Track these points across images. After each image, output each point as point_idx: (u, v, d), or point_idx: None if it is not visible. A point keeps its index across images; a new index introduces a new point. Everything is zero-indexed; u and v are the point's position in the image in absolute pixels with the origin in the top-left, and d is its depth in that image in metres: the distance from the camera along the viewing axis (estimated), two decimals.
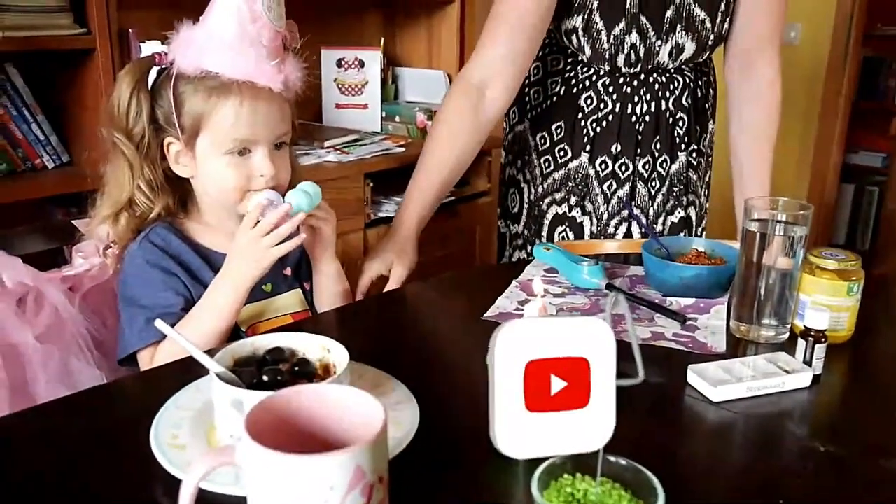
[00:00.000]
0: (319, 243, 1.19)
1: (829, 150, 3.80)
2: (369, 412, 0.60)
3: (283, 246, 1.09)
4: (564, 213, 1.54)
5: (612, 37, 1.39)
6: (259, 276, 1.09)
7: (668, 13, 1.40)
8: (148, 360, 1.10)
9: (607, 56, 1.42)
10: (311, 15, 2.66)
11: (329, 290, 1.22)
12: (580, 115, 1.49)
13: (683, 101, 1.51)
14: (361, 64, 2.70)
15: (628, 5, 1.38)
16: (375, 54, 2.71)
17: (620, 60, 1.42)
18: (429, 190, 1.39)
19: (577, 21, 1.40)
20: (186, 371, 0.88)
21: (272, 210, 1.09)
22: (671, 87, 1.49)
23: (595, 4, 1.38)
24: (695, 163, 1.56)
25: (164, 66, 1.12)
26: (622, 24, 1.39)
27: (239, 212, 1.13)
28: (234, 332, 1.12)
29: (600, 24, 1.39)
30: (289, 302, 1.21)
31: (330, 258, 1.20)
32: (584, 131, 1.50)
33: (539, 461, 0.61)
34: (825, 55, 3.66)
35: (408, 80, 2.88)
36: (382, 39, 2.82)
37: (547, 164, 1.54)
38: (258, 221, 1.09)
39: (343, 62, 2.70)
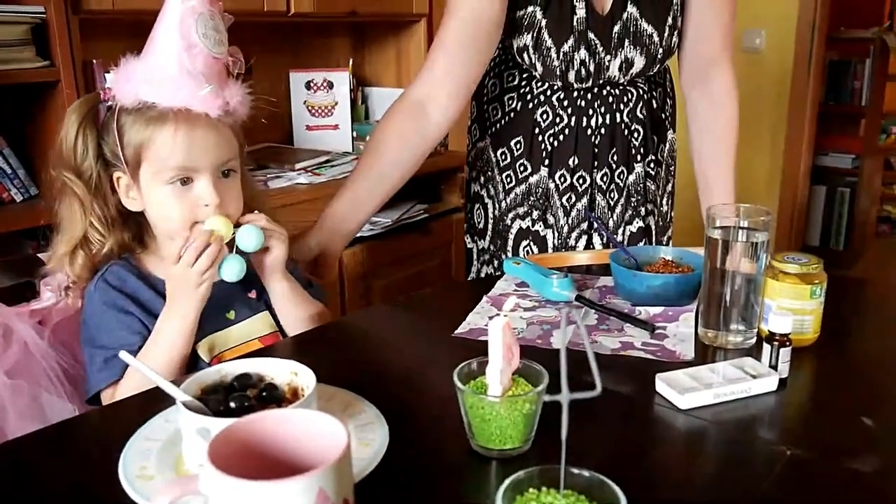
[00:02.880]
0: (267, 264, 1.17)
1: (798, 153, 3.85)
2: (332, 434, 0.60)
3: (212, 270, 1.08)
4: (528, 227, 1.55)
5: (561, 54, 1.41)
6: (201, 302, 1.09)
7: (616, 29, 1.41)
8: (109, 399, 1.10)
9: (558, 73, 1.43)
10: (278, 38, 2.67)
11: (288, 312, 1.20)
12: (537, 130, 1.50)
13: (638, 113, 1.53)
14: (330, 85, 2.71)
15: (575, 23, 1.39)
16: (344, 75, 2.71)
17: (571, 76, 1.44)
18: (367, 202, 1.43)
19: (528, 39, 1.41)
20: (154, 402, 0.88)
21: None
22: (625, 99, 1.51)
23: (543, 23, 1.39)
24: (652, 173, 1.58)
25: (109, 103, 1.13)
26: (570, 42, 1.40)
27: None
28: (196, 363, 1.12)
29: (549, 42, 1.40)
30: (255, 326, 1.20)
31: (279, 278, 1.18)
32: (542, 146, 1.51)
33: (508, 475, 0.61)
34: (790, 60, 3.70)
35: (377, 99, 2.89)
36: (351, 60, 2.84)
37: (509, 179, 1.55)
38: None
39: (312, 84, 2.71)
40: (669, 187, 1.66)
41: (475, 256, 1.67)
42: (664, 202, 1.65)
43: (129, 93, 1.08)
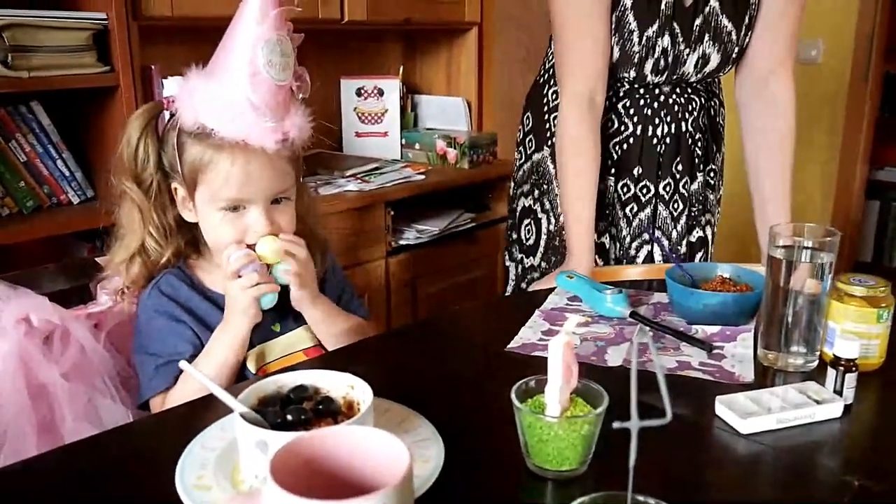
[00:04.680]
0: (293, 297, 1.16)
1: (853, 166, 3.76)
2: (394, 454, 0.59)
3: (257, 290, 1.09)
4: (593, 239, 1.52)
5: (644, 38, 1.39)
6: (252, 321, 1.11)
7: (698, 21, 1.40)
8: (159, 406, 1.12)
9: (636, 59, 1.41)
10: (330, 45, 2.69)
11: (322, 331, 1.20)
12: (602, 137, 1.48)
13: (701, 122, 1.51)
14: (381, 92, 2.72)
15: (663, 6, 1.37)
16: (394, 82, 2.72)
17: (648, 66, 1.42)
18: (591, 216, 1.43)
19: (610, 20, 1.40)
20: (209, 410, 0.88)
21: (251, 263, 1.10)
22: (689, 107, 1.49)
23: (629, 3, 1.37)
24: (712, 182, 1.56)
25: (172, 112, 1.13)
26: (655, 26, 1.38)
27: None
28: (242, 376, 1.13)
29: (633, 24, 1.39)
30: (299, 338, 1.20)
31: (308, 307, 1.18)
32: (607, 154, 1.49)
33: (564, 497, 0.60)
34: (847, 71, 3.62)
35: (427, 107, 2.89)
36: (401, 67, 2.84)
37: None
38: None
39: (362, 91, 2.72)
40: (719, 197, 1.64)
41: (515, 274, 1.65)
42: (717, 211, 1.63)
43: (189, 112, 1.08)
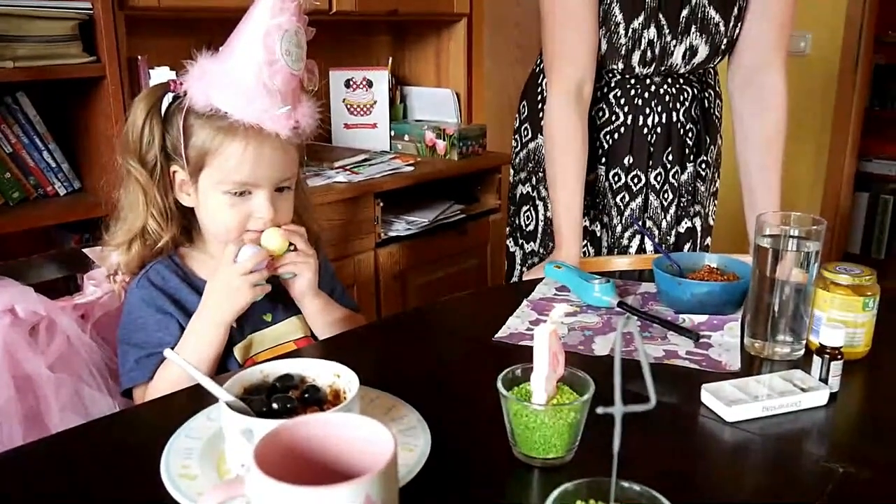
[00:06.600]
0: (297, 287, 1.16)
1: (842, 158, 3.77)
2: (379, 441, 0.59)
3: (259, 288, 1.09)
4: (585, 226, 1.53)
5: (630, 30, 1.40)
6: (238, 311, 1.09)
7: (684, 13, 1.40)
8: (141, 396, 1.11)
9: (623, 52, 1.42)
10: (319, 36, 2.67)
11: (319, 321, 1.20)
12: (593, 127, 1.49)
13: (693, 112, 1.51)
14: (370, 84, 2.71)
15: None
16: (383, 74, 2.71)
17: (635, 58, 1.42)
18: (579, 205, 1.43)
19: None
20: (196, 399, 0.88)
21: (254, 251, 1.10)
22: (681, 98, 1.49)
23: None
24: (703, 174, 1.56)
25: (177, 94, 1.12)
26: (641, 18, 1.39)
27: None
28: (228, 363, 1.13)
29: (619, 17, 1.39)
30: (290, 328, 1.20)
31: (311, 298, 1.18)
32: (598, 143, 1.49)
33: (551, 484, 0.60)
34: (836, 63, 3.63)
35: (416, 98, 2.88)
36: (390, 59, 2.83)
37: None
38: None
39: (351, 82, 2.71)
40: (714, 189, 1.64)
41: (519, 260, 1.65)
42: (708, 203, 1.63)
43: (200, 94, 1.08)
